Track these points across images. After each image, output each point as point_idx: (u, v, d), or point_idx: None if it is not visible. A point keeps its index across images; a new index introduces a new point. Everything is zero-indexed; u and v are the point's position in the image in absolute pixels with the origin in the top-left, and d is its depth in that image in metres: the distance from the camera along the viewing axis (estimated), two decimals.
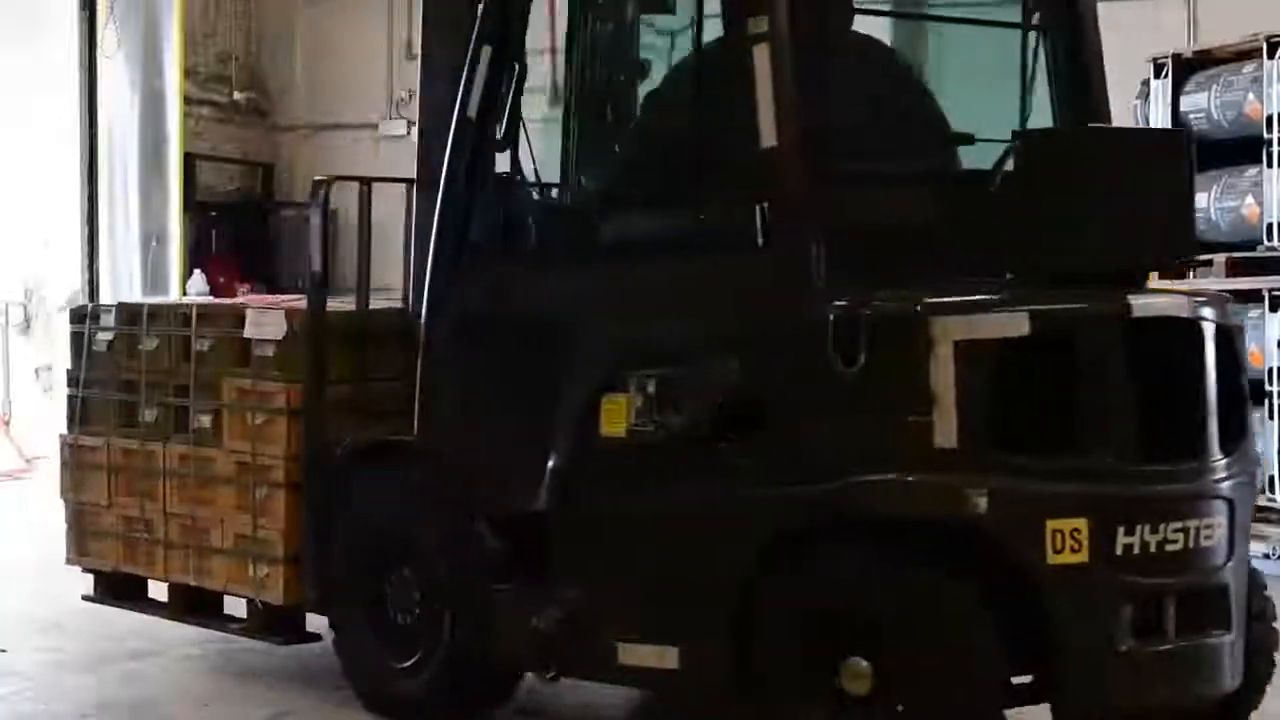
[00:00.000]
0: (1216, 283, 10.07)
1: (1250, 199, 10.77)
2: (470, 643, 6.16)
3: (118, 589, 7.73)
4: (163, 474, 7.32)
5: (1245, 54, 11.07)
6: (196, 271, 14.99)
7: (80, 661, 7.62)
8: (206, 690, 7.19)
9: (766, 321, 5.36)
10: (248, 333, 7.00)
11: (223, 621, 7.34)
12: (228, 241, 16.27)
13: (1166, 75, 11.59)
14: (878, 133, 5.83)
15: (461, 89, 6.28)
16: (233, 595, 7.17)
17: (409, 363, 6.61)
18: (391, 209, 6.97)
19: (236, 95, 16.49)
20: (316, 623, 6.96)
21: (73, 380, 7.84)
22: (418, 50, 16.66)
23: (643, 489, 5.62)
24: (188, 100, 14.99)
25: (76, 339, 7.83)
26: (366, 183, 7.25)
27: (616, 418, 5.65)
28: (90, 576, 7.87)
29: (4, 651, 7.76)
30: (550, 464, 5.85)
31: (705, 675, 5.46)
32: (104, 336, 7.65)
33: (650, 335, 5.67)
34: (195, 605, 7.39)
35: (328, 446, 6.68)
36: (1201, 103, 11.36)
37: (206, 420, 7.14)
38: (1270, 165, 10.55)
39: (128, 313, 7.67)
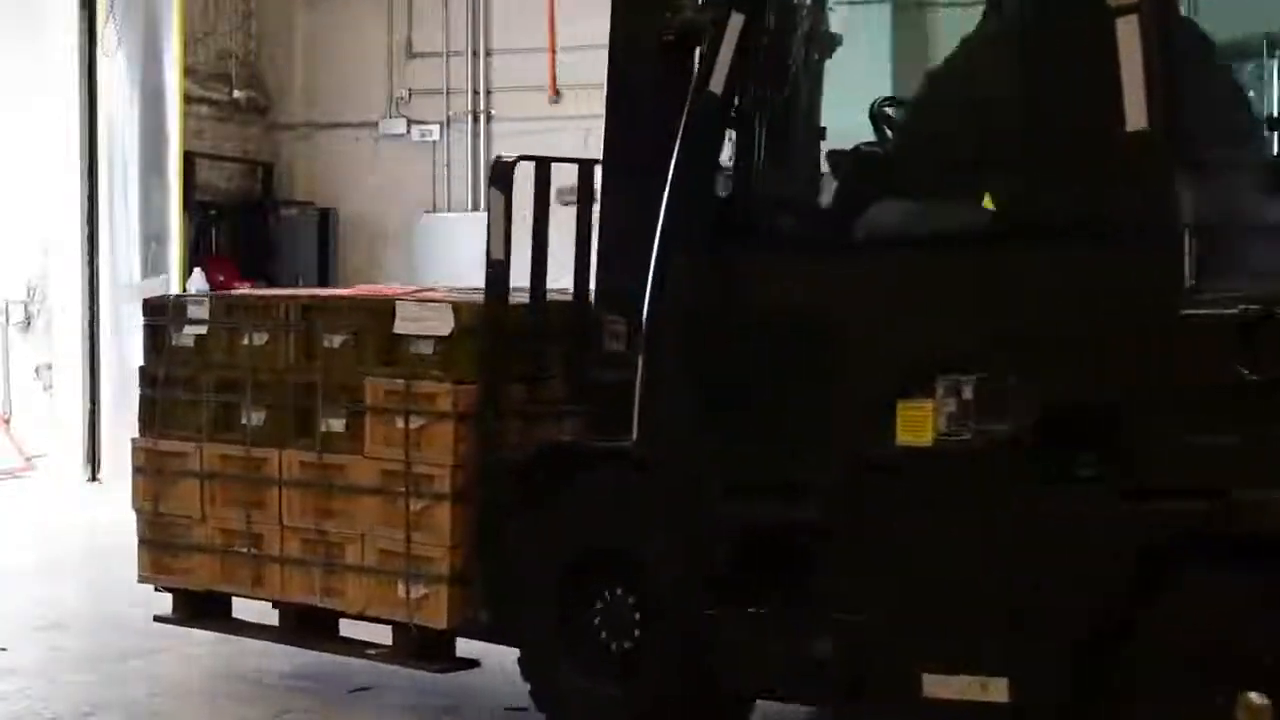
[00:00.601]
0: None
1: None
2: (711, 669, 5.59)
3: (200, 609, 7.00)
4: (278, 484, 6.53)
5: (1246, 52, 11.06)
6: (196, 270, 14.98)
7: (80, 660, 7.62)
8: (206, 689, 7.19)
9: (1125, 320, 4.87)
10: (400, 328, 6.23)
11: (349, 646, 6.61)
12: (227, 240, 16.26)
13: None
14: (1219, 115, 5.43)
15: (703, 63, 5.60)
16: (372, 619, 6.42)
17: (584, 360, 6.09)
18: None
19: (236, 94, 16.46)
20: (465, 646, 6.45)
21: (149, 379, 7.00)
22: (418, 49, 16.75)
23: (957, 502, 5.08)
24: (187, 99, 14.97)
25: (153, 333, 6.99)
26: (545, 163, 6.34)
27: (919, 424, 5.12)
28: (160, 596, 7.23)
29: (4, 650, 7.75)
30: (825, 474, 5.33)
31: (1042, 708, 4.97)
32: (192, 331, 6.82)
33: (959, 334, 5.14)
34: (306, 628, 6.68)
35: (508, 453, 6.07)
36: None
37: (337, 424, 6.37)
38: None
39: (225, 304, 6.88)
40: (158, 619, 7.12)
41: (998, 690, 4.98)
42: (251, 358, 6.61)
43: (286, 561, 6.52)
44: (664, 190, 5.66)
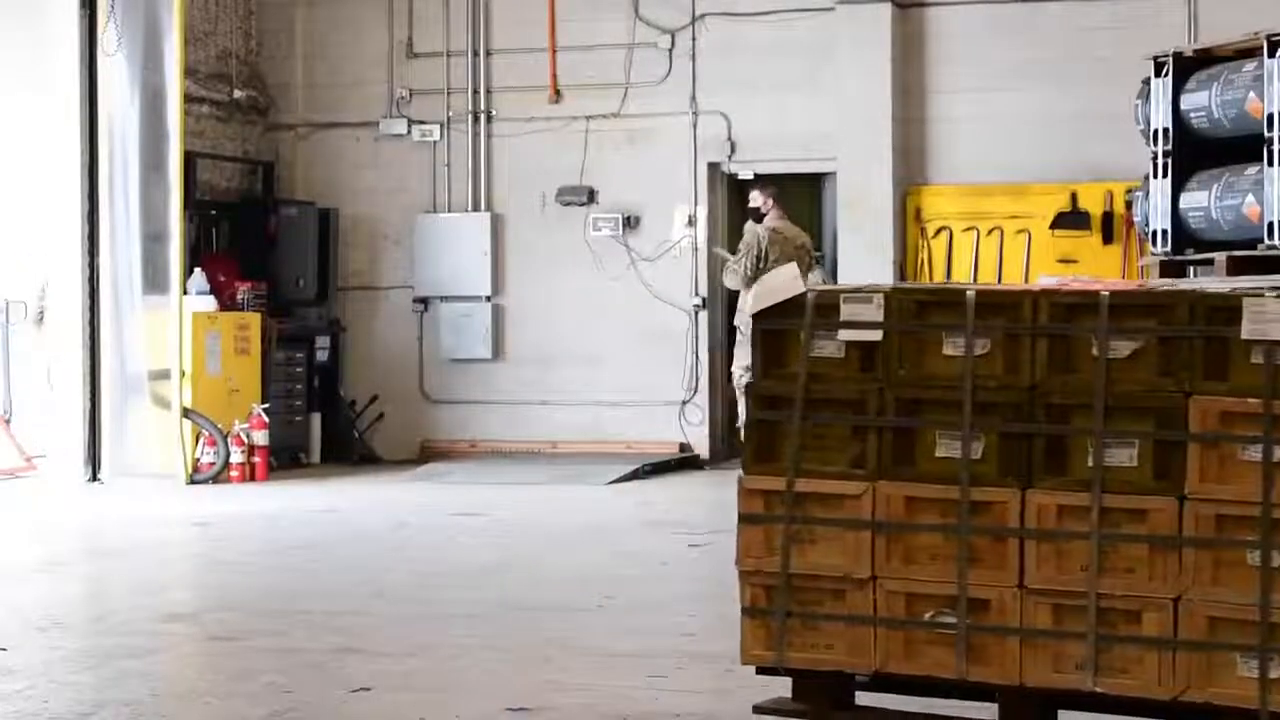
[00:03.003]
0: (1216, 281, 10.07)
1: (1251, 197, 10.78)
2: None
3: (824, 694, 5.51)
4: (1018, 534, 5.25)
5: (1246, 52, 11.09)
6: (196, 270, 14.99)
7: (80, 659, 7.61)
8: (206, 688, 7.18)
9: None
10: (1254, 334, 5.01)
11: None
12: (227, 240, 16.26)
13: (1167, 74, 11.59)
14: None
15: None
16: (1188, 705, 5.12)
17: None
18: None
19: (237, 93, 16.48)
20: None
21: (768, 401, 5.53)
22: (418, 49, 16.77)
23: None
24: (188, 98, 14.97)
25: (772, 340, 5.54)
26: None
27: None
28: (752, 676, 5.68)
29: (4, 650, 7.74)
30: None
31: None
32: (849, 335, 5.46)
33: None
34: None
35: None
36: (1202, 101, 11.37)
37: (1124, 456, 5.18)
38: (1271, 164, 10.56)
39: (914, 301, 5.45)
40: (761, 709, 5.50)
41: None
42: (964, 371, 5.33)
43: (1029, 634, 5.25)
44: None
